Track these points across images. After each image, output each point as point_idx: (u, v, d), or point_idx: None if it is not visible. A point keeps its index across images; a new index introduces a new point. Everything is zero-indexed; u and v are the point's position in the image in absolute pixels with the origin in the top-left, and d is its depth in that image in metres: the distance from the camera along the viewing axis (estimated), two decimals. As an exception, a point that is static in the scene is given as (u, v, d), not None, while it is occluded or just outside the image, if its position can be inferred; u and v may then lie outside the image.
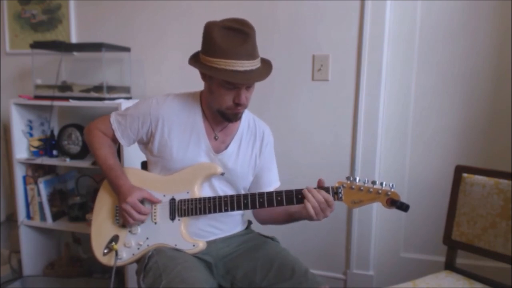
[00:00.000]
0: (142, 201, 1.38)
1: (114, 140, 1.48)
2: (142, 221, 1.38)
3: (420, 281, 1.51)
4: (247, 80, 1.27)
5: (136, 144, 1.51)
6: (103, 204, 1.47)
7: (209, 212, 1.34)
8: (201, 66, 1.31)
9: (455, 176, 1.61)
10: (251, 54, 1.27)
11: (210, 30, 1.28)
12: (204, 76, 1.36)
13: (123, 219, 1.39)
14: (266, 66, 1.36)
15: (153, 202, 1.39)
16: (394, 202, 1.22)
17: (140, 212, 1.35)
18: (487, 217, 1.51)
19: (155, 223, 1.39)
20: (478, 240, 1.53)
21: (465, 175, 1.58)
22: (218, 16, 1.37)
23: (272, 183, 1.53)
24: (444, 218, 1.64)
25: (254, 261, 1.37)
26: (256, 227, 1.59)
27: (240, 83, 1.27)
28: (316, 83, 2.08)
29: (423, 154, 2.06)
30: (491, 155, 1.95)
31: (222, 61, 1.25)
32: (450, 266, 1.61)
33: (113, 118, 1.46)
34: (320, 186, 1.29)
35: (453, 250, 1.62)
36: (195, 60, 1.34)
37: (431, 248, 2.06)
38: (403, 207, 1.22)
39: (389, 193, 1.23)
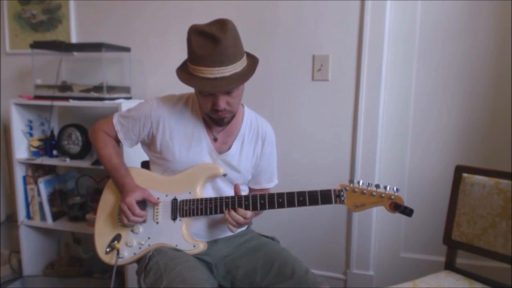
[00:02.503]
0: (144, 201, 1.39)
1: (118, 141, 1.49)
2: (137, 222, 1.38)
3: (420, 281, 1.51)
4: (215, 88, 1.23)
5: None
6: (107, 203, 1.48)
7: (211, 213, 1.34)
8: (180, 74, 1.29)
9: (455, 176, 1.61)
10: (223, 60, 1.21)
11: (188, 35, 1.26)
12: None
13: (120, 218, 1.39)
14: (246, 71, 1.28)
15: (151, 203, 1.39)
16: (397, 207, 1.21)
17: (134, 214, 1.35)
18: (487, 217, 1.51)
19: (157, 222, 1.39)
20: (478, 240, 1.53)
21: (465, 175, 1.58)
22: (217, 16, 1.36)
23: (271, 181, 1.56)
24: (444, 218, 1.64)
25: (254, 261, 1.37)
26: (256, 227, 1.59)
27: (208, 91, 1.25)
28: (316, 83, 2.08)
29: (423, 154, 2.06)
30: (491, 155, 1.95)
31: (196, 68, 1.24)
32: (450, 266, 1.61)
33: (115, 119, 1.47)
34: (237, 193, 1.33)
35: (453, 250, 1.61)
36: (181, 66, 1.33)
37: (431, 248, 2.06)
38: (407, 211, 1.20)
39: (393, 197, 1.22)
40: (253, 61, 1.33)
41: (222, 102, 1.27)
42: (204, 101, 1.30)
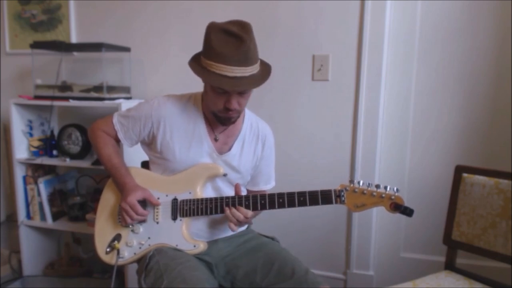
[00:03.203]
0: (144, 201, 1.39)
1: (117, 140, 1.49)
2: (139, 221, 1.38)
3: (420, 281, 1.51)
4: (234, 87, 1.24)
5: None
6: (107, 203, 1.48)
7: (211, 213, 1.34)
8: (194, 67, 1.29)
9: (455, 176, 1.61)
10: (244, 61, 1.23)
11: (208, 31, 1.26)
12: None
13: (121, 218, 1.39)
14: (263, 74, 1.32)
15: (151, 203, 1.39)
16: (398, 207, 1.21)
17: (137, 213, 1.35)
18: (487, 217, 1.51)
19: (157, 222, 1.39)
20: (478, 240, 1.53)
21: (465, 175, 1.58)
22: (218, 16, 1.36)
23: (268, 183, 1.56)
24: (444, 218, 1.64)
25: (254, 261, 1.38)
26: (256, 227, 1.59)
27: (226, 89, 1.25)
28: (316, 83, 2.08)
29: (423, 154, 2.06)
30: (491, 155, 1.95)
31: (214, 65, 1.24)
32: (450, 266, 1.61)
33: (115, 119, 1.47)
34: (238, 193, 1.34)
35: (453, 250, 1.62)
36: (194, 60, 1.33)
37: (431, 248, 2.06)
38: (407, 211, 1.20)
39: (393, 197, 1.22)
40: (265, 66, 1.35)
41: (235, 102, 1.28)
42: (216, 99, 1.30)
